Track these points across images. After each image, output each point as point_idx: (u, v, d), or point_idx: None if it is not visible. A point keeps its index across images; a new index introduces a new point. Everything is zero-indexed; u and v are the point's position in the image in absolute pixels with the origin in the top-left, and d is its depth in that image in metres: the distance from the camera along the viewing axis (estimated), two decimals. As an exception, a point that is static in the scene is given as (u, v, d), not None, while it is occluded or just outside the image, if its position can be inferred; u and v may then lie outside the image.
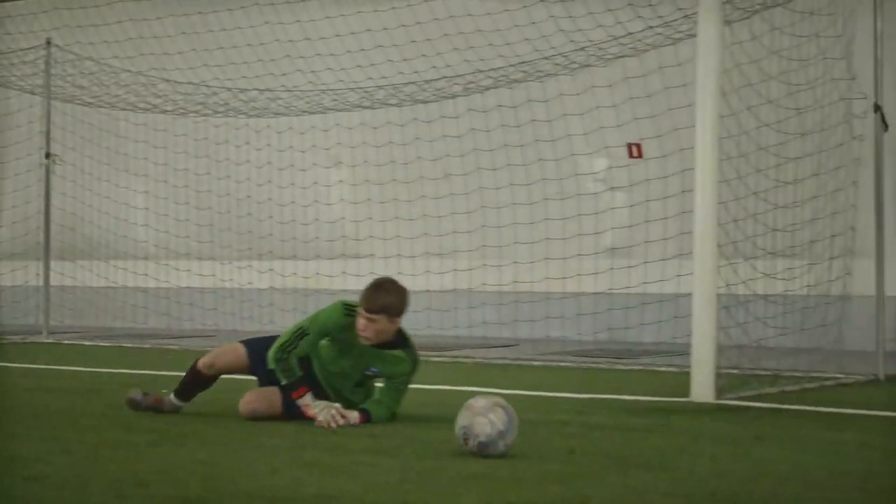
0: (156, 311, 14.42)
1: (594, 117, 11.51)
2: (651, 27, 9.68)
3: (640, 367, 10.27)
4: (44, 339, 13.55)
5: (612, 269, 11.51)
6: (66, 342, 13.31)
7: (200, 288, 14.06)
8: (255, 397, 6.75)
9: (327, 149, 12.98)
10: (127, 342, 12.83)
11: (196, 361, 6.89)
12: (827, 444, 6.16)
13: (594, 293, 11.62)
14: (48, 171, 13.89)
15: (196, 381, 6.93)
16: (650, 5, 9.56)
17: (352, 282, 13.02)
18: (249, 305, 13.46)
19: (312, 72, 11.61)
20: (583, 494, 4.62)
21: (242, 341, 6.91)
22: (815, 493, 4.76)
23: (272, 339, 6.71)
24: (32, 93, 14.07)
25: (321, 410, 6.47)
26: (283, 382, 6.59)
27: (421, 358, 6.70)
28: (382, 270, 12.85)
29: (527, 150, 11.87)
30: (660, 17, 9.54)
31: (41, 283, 14.12)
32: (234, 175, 13.51)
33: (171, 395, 6.99)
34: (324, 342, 6.66)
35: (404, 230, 12.65)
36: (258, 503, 4.33)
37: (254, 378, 6.88)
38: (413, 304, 12.28)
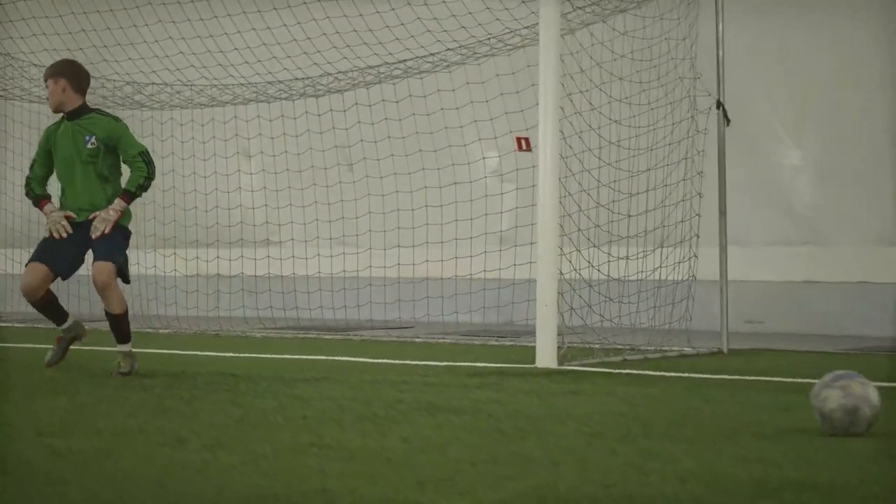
0: (75, 297, 14.88)
1: (469, 112, 12.35)
2: (511, 30, 10.58)
3: (512, 344, 11.09)
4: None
5: (499, 252, 12.29)
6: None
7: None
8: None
9: (226, 140, 13.69)
10: (41, 325, 13.50)
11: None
12: (626, 396, 7.07)
13: (491, 279, 12.35)
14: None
15: (43, 309, 8.29)
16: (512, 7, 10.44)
17: (249, 265, 13.83)
18: (154, 288, 14.08)
19: (204, 66, 12.35)
20: (390, 433, 5.51)
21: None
22: (584, 428, 5.67)
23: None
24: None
25: (49, 220, 8.05)
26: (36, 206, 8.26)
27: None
28: (278, 255, 13.64)
29: (408, 140, 12.68)
30: (516, 19, 10.43)
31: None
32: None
33: (60, 330, 8.46)
34: (53, 150, 8.12)
35: (298, 216, 13.40)
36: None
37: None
38: (310, 287, 12.98)
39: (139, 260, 14.29)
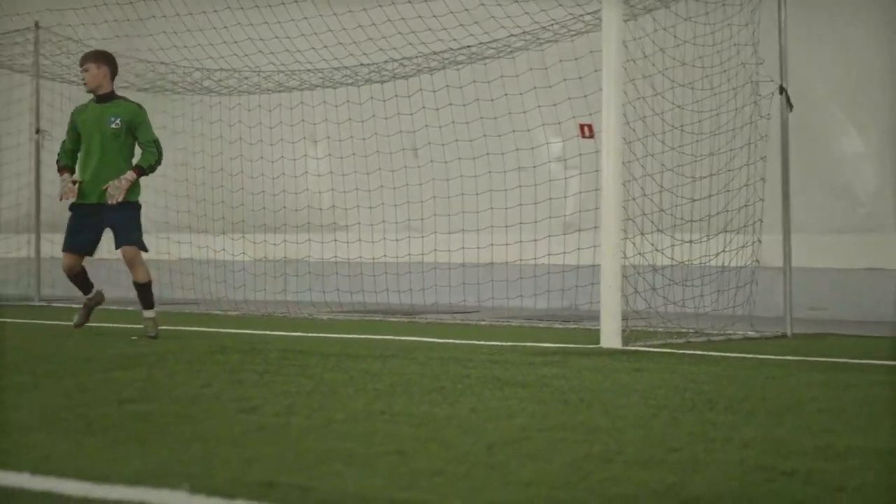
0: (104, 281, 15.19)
1: (532, 97, 12.46)
2: (574, 15, 10.68)
3: (576, 327, 11.18)
4: (35, 303, 14.50)
5: (563, 236, 12.39)
6: (54, 305, 14.28)
7: (179, 257, 14.89)
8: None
9: (293, 125, 13.89)
10: (114, 306, 13.80)
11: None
12: (689, 374, 7.16)
13: (554, 263, 12.45)
14: (38, 147, 14.84)
15: (76, 281, 9.68)
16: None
17: (316, 249, 14.01)
18: (223, 272, 14.37)
19: (272, 52, 12.55)
20: (458, 404, 5.65)
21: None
22: (647, 401, 5.78)
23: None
24: (22, 72, 15.00)
25: (61, 183, 9.32)
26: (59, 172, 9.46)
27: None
28: (345, 239, 13.83)
29: (473, 126, 12.81)
30: (579, 5, 10.52)
31: (32, 254, 15.06)
32: (209, 150, 14.41)
33: (86, 298, 9.83)
34: (80, 128, 9.33)
35: (364, 201, 13.58)
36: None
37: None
38: (377, 271, 13.14)
39: (208, 244, 14.61)
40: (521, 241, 12.60)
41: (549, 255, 12.44)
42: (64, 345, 8.76)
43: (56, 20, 14.10)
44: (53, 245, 15.59)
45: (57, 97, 15.51)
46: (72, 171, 9.39)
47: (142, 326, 9.54)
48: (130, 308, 13.42)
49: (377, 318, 12.08)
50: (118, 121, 9.26)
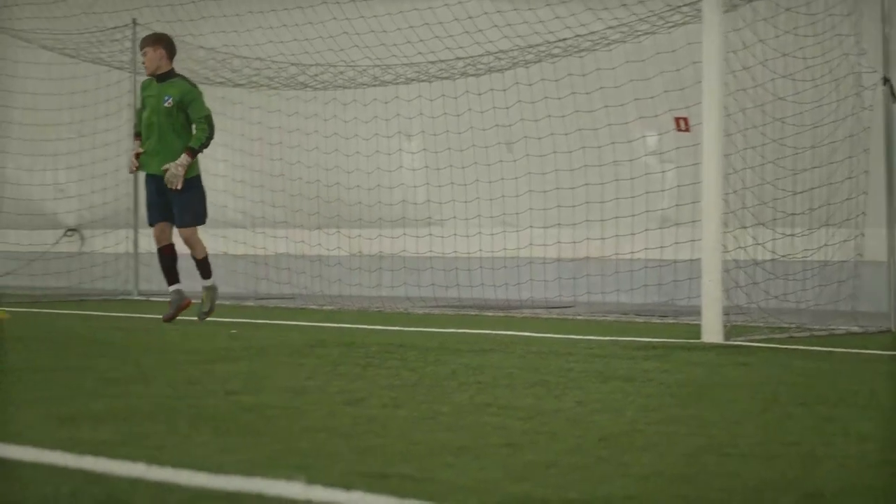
0: (236, 274, 15.34)
1: (629, 90, 12.34)
2: (672, 7, 10.56)
3: (675, 322, 11.05)
4: (134, 297, 14.66)
5: (660, 230, 12.28)
6: (153, 299, 14.42)
7: (276, 252, 14.97)
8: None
9: (387, 119, 13.89)
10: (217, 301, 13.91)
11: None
12: (796, 369, 7.05)
13: (651, 258, 12.34)
14: (135, 143, 14.99)
15: (165, 263, 10.27)
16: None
17: (411, 244, 14.01)
18: (318, 266, 14.43)
19: (367, 47, 12.57)
20: (564, 397, 5.60)
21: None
22: (757, 395, 5.68)
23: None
24: (120, 69, 15.17)
25: (167, 179, 9.81)
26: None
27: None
28: (440, 233, 13.81)
29: (568, 119, 12.73)
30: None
31: (131, 249, 15.22)
32: (305, 144, 14.47)
33: (171, 291, 10.24)
34: (144, 102, 10.10)
35: (459, 195, 13.54)
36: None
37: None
38: (472, 266, 13.12)
39: (304, 238, 14.68)
40: (617, 236, 12.50)
41: (645, 249, 12.33)
42: (165, 338, 8.84)
43: (154, 17, 14.23)
44: (151, 241, 15.78)
45: (154, 93, 15.64)
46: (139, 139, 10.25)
47: (200, 302, 10.41)
48: (228, 302, 13.53)
49: (472, 313, 12.03)
50: (171, 99, 9.91)
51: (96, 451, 3.96)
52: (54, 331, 9.43)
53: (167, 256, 10.32)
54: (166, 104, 9.92)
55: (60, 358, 7.17)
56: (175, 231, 10.31)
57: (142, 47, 10.19)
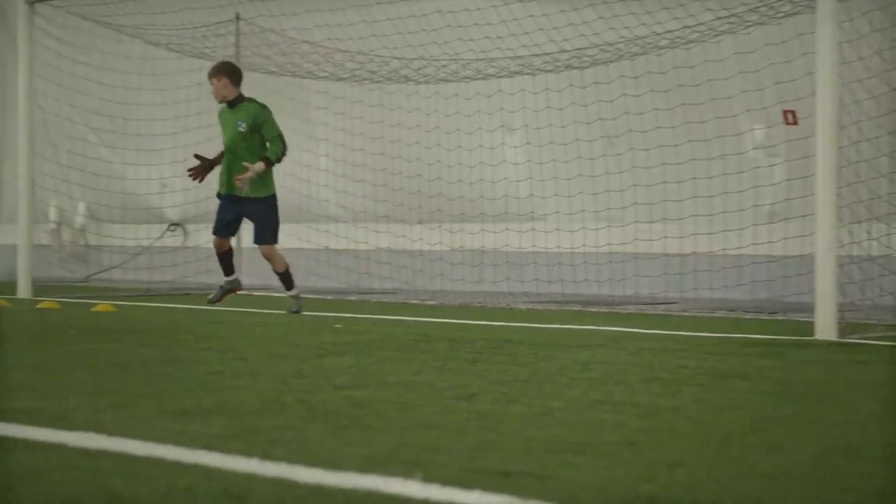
0: (338, 269, 15.33)
1: (737, 82, 12.10)
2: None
3: (785, 319, 10.81)
4: (238, 292, 14.69)
5: (769, 226, 12.02)
6: (256, 293, 14.46)
7: (378, 246, 14.95)
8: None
9: (490, 113, 13.78)
10: (312, 295, 13.92)
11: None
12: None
13: (760, 254, 12.09)
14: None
15: (221, 260, 10.98)
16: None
17: (513, 238, 13.88)
18: (420, 261, 14.37)
19: (472, 40, 12.47)
20: (680, 394, 5.45)
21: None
22: (880, 394, 5.48)
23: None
24: (224, 64, 15.22)
25: (239, 180, 10.39)
26: None
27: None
28: (543, 228, 13.68)
29: (674, 112, 12.51)
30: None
31: (235, 243, 15.26)
32: (406, 139, 14.41)
33: (224, 281, 11.01)
34: (221, 127, 10.73)
35: (562, 190, 13.40)
36: (402, 388, 5.25)
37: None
38: (575, 261, 12.97)
39: (406, 233, 14.62)
40: (724, 231, 12.26)
41: (753, 245, 12.08)
42: (269, 333, 8.81)
43: (257, 11, 14.27)
44: (252, 234, 15.82)
45: (257, 88, 15.68)
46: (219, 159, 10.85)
47: (287, 304, 11.01)
48: (330, 297, 13.53)
49: (576, 309, 11.89)
50: (244, 124, 10.54)
51: (210, 446, 3.90)
52: (161, 324, 9.45)
53: (226, 256, 11.08)
54: (240, 129, 10.53)
55: (168, 351, 7.16)
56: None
57: (209, 77, 10.76)
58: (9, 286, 13.89)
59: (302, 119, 15.17)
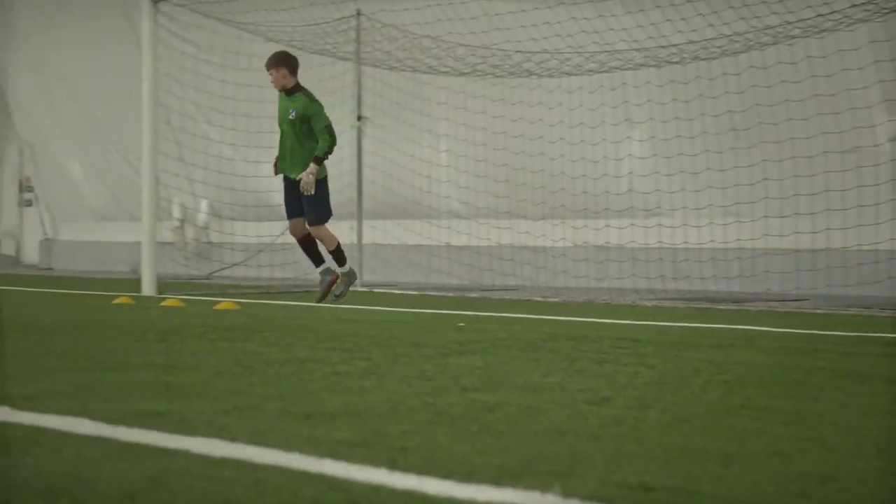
0: (460, 265, 15.24)
1: (872, 72, 11.69)
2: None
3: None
4: (358, 289, 14.67)
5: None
6: (377, 290, 14.42)
7: (500, 243, 14.81)
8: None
9: (614, 107, 13.54)
10: (433, 292, 13.82)
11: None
12: None
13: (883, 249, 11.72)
14: (360, 134, 15.01)
15: (306, 250, 11.60)
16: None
17: (638, 234, 13.62)
18: (544, 257, 14.19)
19: (596, 32, 12.23)
20: (822, 398, 5.19)
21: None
22: None
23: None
24: (345, 60, 15.19)
25: (302, 186, 11.27)
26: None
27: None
28: (669, 224, 13.40)
29: (807, 104, 12.14)
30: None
31: (355, 240, 15.24)
32: (529, 133, 14.22)
33: (320, 274, 11.68)
34: (279, 115, 11.45)
35: (689, 184, 13.10)
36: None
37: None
38: (702, 257, 12.67)
39: (528, 229, 14.44)
40: (859, 226, 11.86)
41: (890, 240, 11.66)
42: (392, 331, 8.68)
43: (378, 7, 14.19)
44: (375, 231, 15.83)
45: (378, 84, 15.66)
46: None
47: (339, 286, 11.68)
48: (451, 294, 13.40)
49: (704, 306, 11.59)
50: (294, 113, 11.25)
51: (335, 453, 3.75)
52: (283, 323, 9.39)
53: (307, 244, 11.62)
54: (290, 117, 11.29)
55: (292, 351, 7.06)
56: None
57: (267, 68, 11.44)
58: (133, 283, 14.00)
59: (422, 114, 15.07)
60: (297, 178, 11.25)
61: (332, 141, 11.17)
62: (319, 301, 11.61)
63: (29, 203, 23.28)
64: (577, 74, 13.26)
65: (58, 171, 21.64)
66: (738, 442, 4.07)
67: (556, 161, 13.85)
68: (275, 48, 15.48)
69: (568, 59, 12.80)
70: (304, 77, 15.89)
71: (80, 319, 9.41)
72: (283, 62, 11.40)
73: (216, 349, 7.10)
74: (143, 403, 4.81)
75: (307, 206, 11.35)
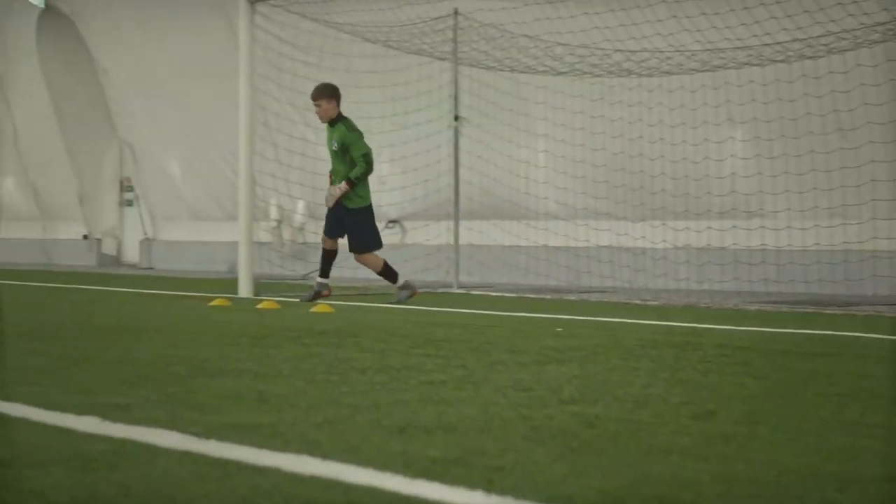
0: (557, 267, 15.05)
1: None
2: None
3: None
4: (454, 291, 14.53)
5: None
6: (474, 293, 14.27)
7: (598, 244, 14.59)
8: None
9: (716, 106, 13.25)
10: (530, 294, 13.64)
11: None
12: None
13: None
14: (457, 134, 14.87)
15: (325, 260, 12.03)
16: None
17: (741, 236, 13.30)
18: (643, 259, 13.95)
19: (698, 30, 11.96)
20: None
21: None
22: None
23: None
24: (442, 59, 15.06)
25: (325, 197, 12.05)
26: None
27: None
28: (773, 226, 13.07)
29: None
30: None
31: (452, 241, 15.10)
32: (628, 133, 13.99)
33: (317, 283, 12.16)
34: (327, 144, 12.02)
35: (793, 185, 12.77)
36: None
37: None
38: (807, 260, 12.36)
39: (627, 230, 14.19)
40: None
41: None
42: (488, 336, 8.52)
43: (475, 6, 14.04)
44: (471, 233, 15.68)
45: (475, 84, 15.52)
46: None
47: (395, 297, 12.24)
48: (548, 296, 13.20)
49: (809, 310, 11.28)
50: (336, 143, 11.78)
51: (429, 473, 3.60)
52: (378, 326, 9.27)
53: (327, 256, 12.10)
54: (334, 148, 11.82)
55: (384, 357, 6.93)
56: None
57: (315, 99, 11.84)
58: (230, 284, 14.00)
59: (520, 114, 14.89)
60: (327, 206, 11.93)
61: (368, 169, 11.73)
62: (307, 301, 11.98)
63: (129, 203, 23.49)
64: (678, 73, 12.99)
65: (157, 170, 21.79)
66: (855, 465, 3.85)
67: (656, 162, 13.60)
68: (372, 49, 15.47)
69: (669, 58, 12.54)
70: (400, 77, 15.84)
71: (175, 322, 9.37)
72: (327, 94, 11.83)
73: (310, 354, 7.00)
74: (235, 415, 4.71)
75: (350, 232, 11.94)
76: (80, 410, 4.71)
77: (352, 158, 11.73)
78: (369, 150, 11.80)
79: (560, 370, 6.38)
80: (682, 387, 5.77)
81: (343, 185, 11.72)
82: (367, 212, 11.92)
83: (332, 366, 6.42)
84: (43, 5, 22.65)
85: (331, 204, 11.84)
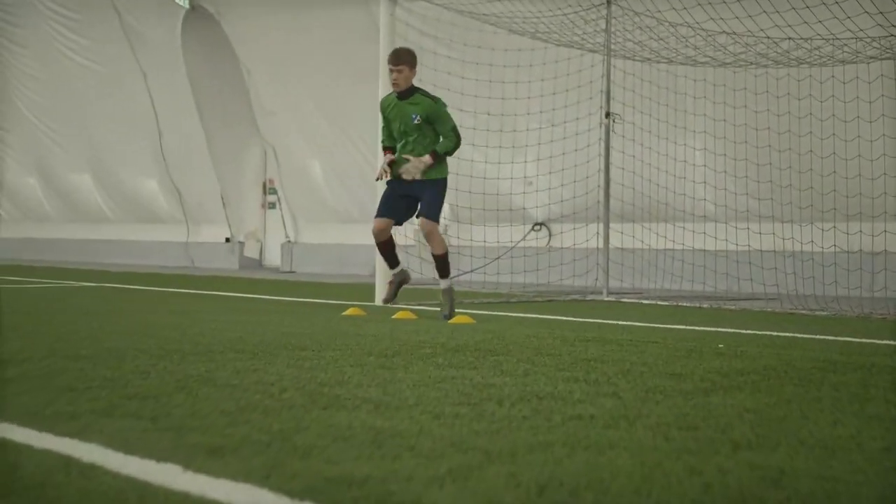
0: (715, 273, 14.21)
1: None
2: None
3: None
4: (604, 298, 13.70)
5: None
6: (625, 300, 13.41)
7: (760, 249, 13.69)
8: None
9: (870, 102, 12.18)
10: (685, 303, 12.73)
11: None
12: None
13: None
14: (608, 131, 13.99)
15: (383, 252, 10.90)
16: None
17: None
18: (811, 265, 12.95)
19: (880, 13, 10.92)
20: None
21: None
22: None
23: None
24: (594, 52, 14.22)
25: (381, 164, 10.72)
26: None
27: None
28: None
29: None
30: None
31: (601, 244, 14.24)
32: (796, 129, 12.98)
33: (391, 274, 11.03)
34: (389, 117, 10.62)
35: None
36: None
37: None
38: None
39: (793, 234, 13.17)
40: None
41: None
42: (642, 353, 7.66)
43: (632, -5, 13.16)
44: (623, 237, 14.81)
45: (629, 77, 14.66)
46: (393, 151, 10.68)
47: (440, 303, 10.98)
48: (704, 305, 12.26)
49: None
50: (418, 117, 10.47)
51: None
52: (520, 342, 8.47)
53: (386, 249, 10.90)
54: (415, 122, 10.49)
55: (526, 383, 6.13)
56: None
57: (397, 63, 10.55)
58: (368, 291, 13.36)
59: (677, 110, 13.97)
60: (403, 175, 10.47)
61: (458, 143, 10.56)
62: (388, 302, 11.21)
63: (272, 205, 23.13)
64: (853, 62, 11.92)
65: (300, 172, 21.38)
66: None
67: (826, 160, 12.55)
68: (518, 41, 14.66)
69: (844, 45, 11.48)
70: (548, 72, 15.05)
71: (302, 337, 8.69)
72: (409, 60, 10.61)
73: (441, 378, 6.22)
74: (342, 464, 3.94)
75: (428, 200, 10.53)
76: (164, 455, 4.01)
77: (433, 132, 10.51)
78: (454, 122, 10.63)
79: (728, 401, 5.50)
80: (878, 425, 4.86)
81: (427, 158, 10.43)
82: (445, 184, 10.67)
83: (466, 394, 5.63)
84: (188, 6, 22.39)
85: (413, 176, 10.44)
